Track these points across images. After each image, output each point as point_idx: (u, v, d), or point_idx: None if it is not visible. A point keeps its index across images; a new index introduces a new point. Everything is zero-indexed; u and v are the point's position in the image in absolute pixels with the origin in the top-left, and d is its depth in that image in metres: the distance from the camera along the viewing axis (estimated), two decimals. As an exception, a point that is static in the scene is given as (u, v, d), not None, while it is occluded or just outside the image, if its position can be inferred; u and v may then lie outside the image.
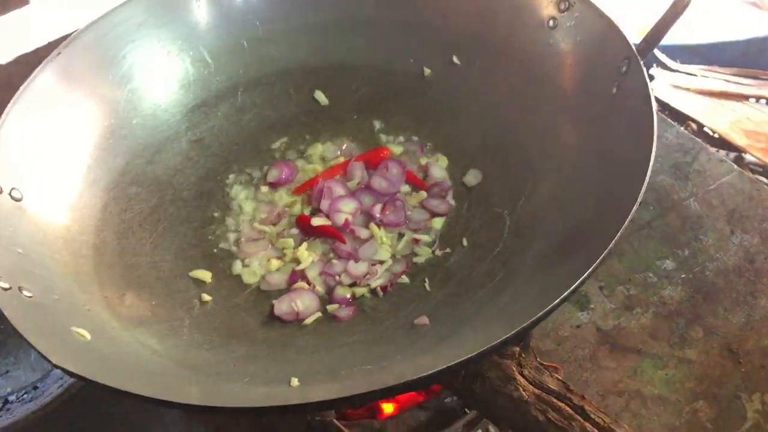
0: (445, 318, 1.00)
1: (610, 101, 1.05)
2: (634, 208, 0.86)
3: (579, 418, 0.90)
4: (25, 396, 1.27)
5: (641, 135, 0.95)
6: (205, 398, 0.83)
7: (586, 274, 0.82)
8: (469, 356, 0.77)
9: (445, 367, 0.76)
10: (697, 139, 1.59)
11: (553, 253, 0.99)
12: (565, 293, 0.80)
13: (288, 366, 0.96)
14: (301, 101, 1.33)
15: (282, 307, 1.05)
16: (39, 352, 0.82)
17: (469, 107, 1.25)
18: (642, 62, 1.02)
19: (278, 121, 1.31)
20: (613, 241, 0.84)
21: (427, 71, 1.30)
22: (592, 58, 1.10)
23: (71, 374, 0.81)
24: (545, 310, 0.79)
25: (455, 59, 1.29)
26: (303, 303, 1.05)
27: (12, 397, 1.27)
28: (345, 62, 1.34)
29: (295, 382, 0.90)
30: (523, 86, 1.19)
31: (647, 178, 0.89)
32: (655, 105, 0.96)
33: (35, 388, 1.27)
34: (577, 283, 0.81)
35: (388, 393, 0.77)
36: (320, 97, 1.32)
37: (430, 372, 0.76)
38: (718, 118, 1.97)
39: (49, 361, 0.82)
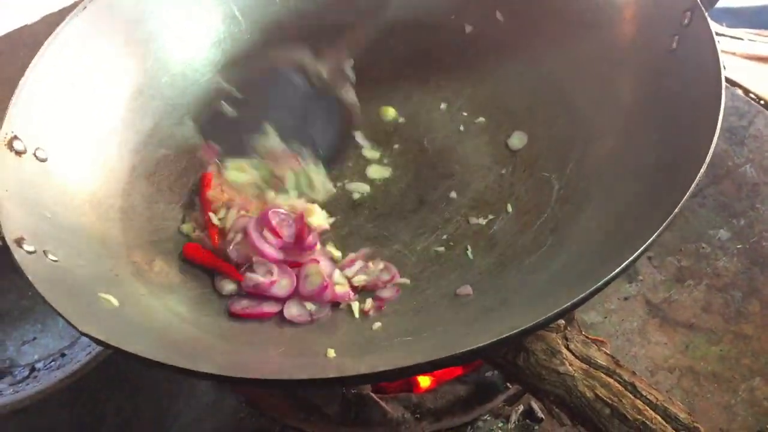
0: (490, 288, 0.94)
1: (670, 56, 0.97)
2: (701, 171, 0.79)
3: (629, 394, 0.84)
4: (52, 363, 1.24)
5: (706, 92, 0.87)
6: (237, 369, 0.78)
7: (645, 245, 0.75)
8: (516, 331, 0.71)
9: (490, 342, 0.71)
10: (755, 102, 1.49)
11: (607, 221, 0.93)
12: (622, 265, 0.73)
13: (324, 336, 0.92)
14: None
15: (292, 310, 0.97)
16: (64, 318, 0.78)
17: (513, 66, 1.18)
18: (707, 14, 0.94)
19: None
20: (677, 209, 0.77)
21: (468, 28, 1.23)
22: (651, 10, 1.02)
23: (97, 341, 0.77)
24: (599, 283, 0.73)
25: (498, 15, 1.21)
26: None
27: (39, 365, 1.25)
28: (381, 18, 1.26)
29: (331, 353, 0.85)
30: (573, 42, 1.11)
31: (715, 139, 0.81)
32: (722, 59, 0.88)
33: (63, 355, 1.24)
34: (635, 254, 0.75)
35: (429, 367, 0.72)
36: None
37: (475, 346, 0.70)
38: (765, 83, 1.86)
39: (75, 327, 0.78)
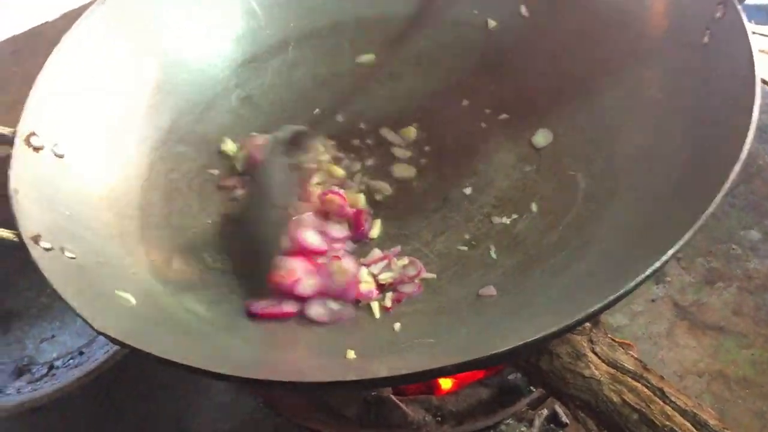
0: (514, 289, 0.91)
1: (701, 51, 0.94)
2: (735, 170, 0.76)
3: (658, 400, 0.81)
4: (71, 361, 1.24)
5: (740, 88, 0.84)
6: (255, 371, 0.76)
7: (675, 247, 0.72)
8: (541, 335, 0.68)
9: (514, 346, 0.68)
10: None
11: (635, 220, 0.90)
12: (651, 268, 0.70)
13: (343, 336, 0.89)
14: (356, 56, 1.24)
15: (317, 310, 0.94)
16: (80, 316, 0.77)
17: (537, 62, 1.15)
18: (740, 7, 0.90)
19: (331, 78, 1.22)
20: (710, 209, 0.74)
21: (491, 23, 1.20)
22: (682, 2, 0.98)
23: (114, 340, 0.75)
24: (627, 287, 0.70)
25: (523, 10, 1.19)
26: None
27: (58, 363, 1.24)
28: (402, 13, 1.25)
29: (351, 354, 0.83)
30: (599, 37, 1.08)
31: (750, 136, 0.78)
32: (757, 55, 0.85)
33: (81, 353, 1.24)
34: (665, 257, 0.71)
35: (451, 371, 0.69)
36: (367, 59, 1.22)
37: (499, 350, 0.68)
38: (796, 82, 1.82)
39: (91, 326, 0.76)
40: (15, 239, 0.84)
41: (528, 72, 1.15)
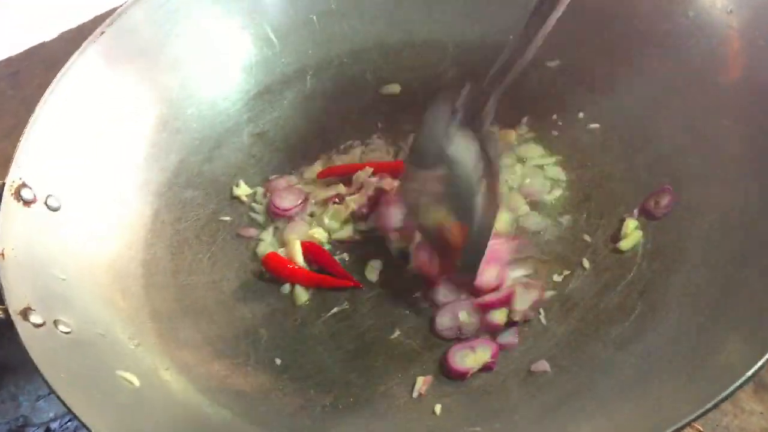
0: (570, 364, 0.80)
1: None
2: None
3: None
4: (69, 424, 1.12)
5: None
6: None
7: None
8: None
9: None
10: None
11: (710, 286, 0.79)
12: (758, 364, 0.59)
13: (377, 422, 0.79)
14: (380, 86, 1.12)
15: (444, 321, 0.87)
16: (76, 417, 0.66)
17: (584, 93, 1.03)
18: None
19: (353, 111, 1.11)
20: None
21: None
22: (758, 43, 0.87)
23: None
24: (728, 390, 0.59)
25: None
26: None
27: (55, 425, 1.13)
28: (430, 39, 1.14)
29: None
30: (658, 69, 0.97)
31: None
32: None
33: (81, 415, 1.12)
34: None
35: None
36: (393, 89, 1.11)
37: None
38: None
39: (87, 428, 0.65)
40: (1, 316, 0.73)
41: (572, 104, 1.04)
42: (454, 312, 0.86)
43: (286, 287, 0.93)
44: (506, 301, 0.86)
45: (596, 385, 0.76)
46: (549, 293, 0.87)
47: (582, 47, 1.03)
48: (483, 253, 0.84)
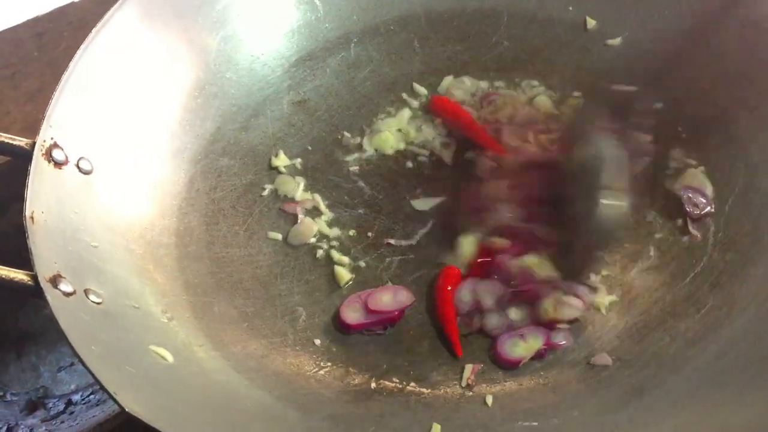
0: (634, 358, 0.75)
1: None
2: None
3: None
4: (91, 397, 1.09)
5: None
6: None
7: None
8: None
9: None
10: None
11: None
12: None
13: (423, 412, 0.74)
14: (428, 56, 1.07)
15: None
16: (106, 391, 0.61)
17: (649, 70, 0.96)
18: None
19: (398, 81, 1.05)
20: None
21: (591, 22, 1.03)
22: None
23: (146, 424, 0.60)
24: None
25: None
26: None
27: (76, 397, 1.09)
28: (484, 7, 1.07)
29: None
30: (731, 45, 0.90)
31: None
32: None
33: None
34: None
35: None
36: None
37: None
38: None
39: (119, 404, 0.61)
40: (29, 282, 0.69)
41: (636, 81, 0.96)
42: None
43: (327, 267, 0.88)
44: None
45: (664, 383, 0.70)
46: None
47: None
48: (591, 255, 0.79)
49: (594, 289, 0.81)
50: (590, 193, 0.77)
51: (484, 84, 1.03)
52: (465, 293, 0.82)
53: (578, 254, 0.81)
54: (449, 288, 0.83)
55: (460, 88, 1.02)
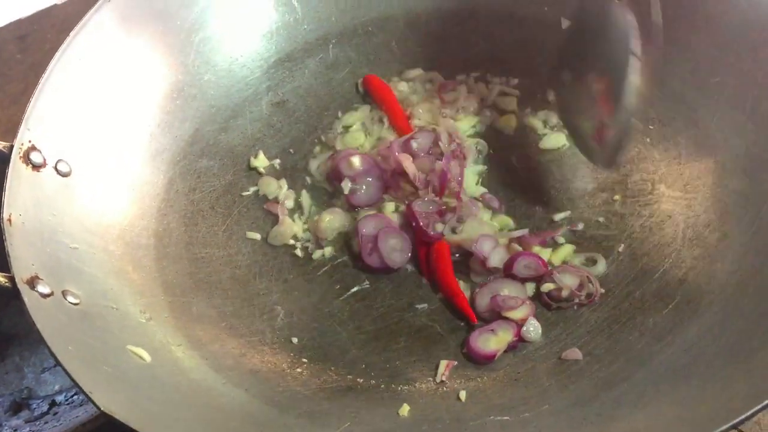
0: (604, 353, 0.76)
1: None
2: None
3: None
4: (74, 397, 1.09)
5: None
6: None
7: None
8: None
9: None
10: None
11: (761, 271, 0.74)
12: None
13: (396, 404, 0.75)
14: (406, 56, 1.08)
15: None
16: (82, 391, 0.62)
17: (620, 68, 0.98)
18: None
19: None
20: None
21: (565, 23, 1.03)
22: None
23: (121, 424, 0.61)
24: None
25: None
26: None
27: (60, 398, 1.10)
28: (461, 8, 1.08)
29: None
30: (700, 45, 0.92)
31: None
32: None
33: (87, 389, 1.09)
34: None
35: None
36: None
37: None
38: None
39: (95, 404, 0.62)
40: (6, 284, 0.69)
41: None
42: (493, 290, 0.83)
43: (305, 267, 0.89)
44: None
45: (632, 377, 0.72)
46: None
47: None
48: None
49: None
50: (617, 61, 0.78)
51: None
52: None
53: (613, 131, 0.81)
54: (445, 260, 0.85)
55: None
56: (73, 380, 0.63)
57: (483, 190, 0.92)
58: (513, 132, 0.98)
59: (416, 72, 1.06)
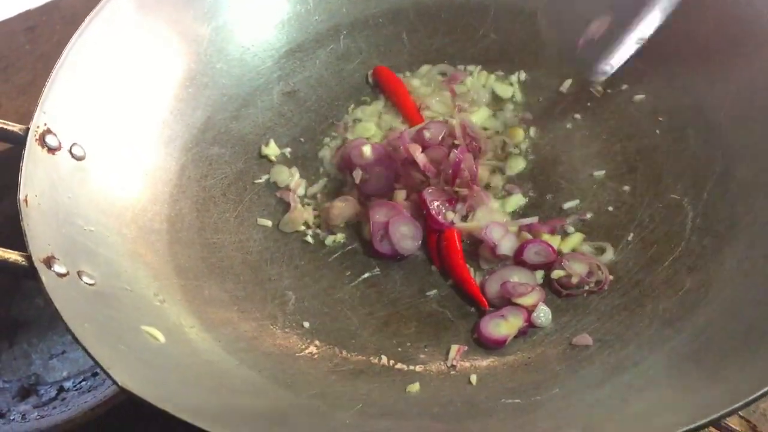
0: (614, 339, 0.77)
1: None
2: None
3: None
4: (83, 384, 1.09)
5: None
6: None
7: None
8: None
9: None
10: None
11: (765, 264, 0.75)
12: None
13: (408, 386, 0.75)
14: (416, 48, 1.08)
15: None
16: (100, 366, 0.63)
17: (632, 62, 0.99)
18: None
19: (387, 73, 1.07)
20: None
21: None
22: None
23: (139, 399, 0.61)
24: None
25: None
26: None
27: (68, 384, 1.10)
28: (471, 0, 1.09)
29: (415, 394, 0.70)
30: (710, 37, 0.92)
31: None
32: None
33: (94, 374, 1.09)
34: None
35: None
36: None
37: None
38: None
39: (112, 379, 0.62)
40: (23, 263, 0.70)
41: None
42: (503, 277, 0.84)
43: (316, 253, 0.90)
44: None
45: (642, 362, 0.72)
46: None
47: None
48: None
49: None
50: None
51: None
52: None
53: None
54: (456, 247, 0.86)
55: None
56: (91, 356, 0.63)
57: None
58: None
59: (426, 68, 1.06)
